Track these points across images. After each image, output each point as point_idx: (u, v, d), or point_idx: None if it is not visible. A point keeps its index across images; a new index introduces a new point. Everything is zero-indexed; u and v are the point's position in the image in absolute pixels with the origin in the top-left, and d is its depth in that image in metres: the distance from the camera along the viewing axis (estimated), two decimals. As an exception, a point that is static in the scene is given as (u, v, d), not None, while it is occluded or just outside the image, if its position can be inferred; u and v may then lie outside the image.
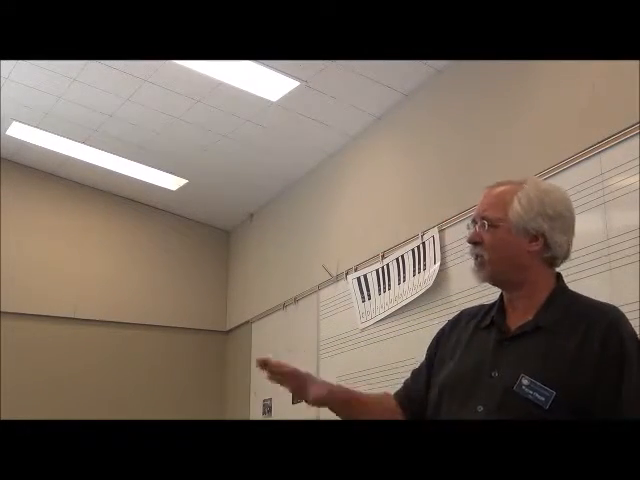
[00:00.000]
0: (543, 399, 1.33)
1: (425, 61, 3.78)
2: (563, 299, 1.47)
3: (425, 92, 4.01)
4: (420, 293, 3.70)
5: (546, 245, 1.47)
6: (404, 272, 3.90)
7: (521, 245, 1.47)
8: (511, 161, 3.31)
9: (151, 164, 5.36)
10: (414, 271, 3.82)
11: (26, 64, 4.16)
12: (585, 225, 2.84)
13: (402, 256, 3.93)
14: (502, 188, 1.52)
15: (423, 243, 3.78)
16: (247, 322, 5.77)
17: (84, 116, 4.74)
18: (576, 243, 2.81)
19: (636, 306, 2.55)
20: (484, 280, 1.54)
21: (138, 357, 5.74)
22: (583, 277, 2.79)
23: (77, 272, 5.63)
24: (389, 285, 4.00)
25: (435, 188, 3.84)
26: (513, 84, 3.38)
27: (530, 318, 1.45)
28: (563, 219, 1.48)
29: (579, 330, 1.38)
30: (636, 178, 2.65)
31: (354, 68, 3.91)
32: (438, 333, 1.65)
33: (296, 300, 5.03)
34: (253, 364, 6.04)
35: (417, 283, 3.75)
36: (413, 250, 3.86)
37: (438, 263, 3.62)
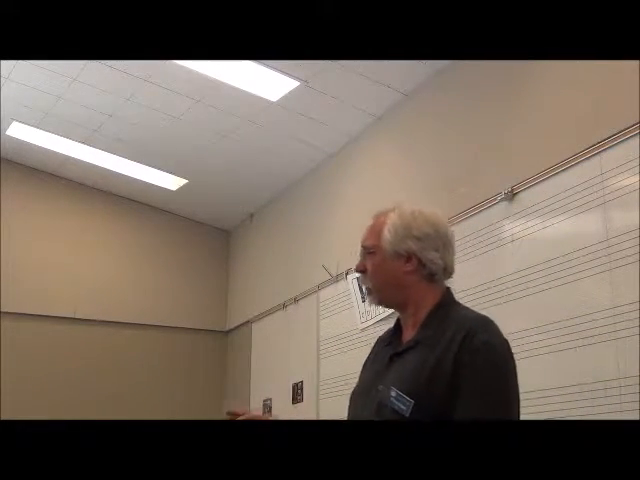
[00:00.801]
0: (405, 408, 1.44)
1: (425, 61, 3.78)
2: (442, 313, 1.58)
3: (425, 92, 4.01)
4: (420, 293, 3.69)
5: (420, 264, 1.60)
6: (404, 272, 3.89)
7: (397, 267, 1.61)
8: (511, 161, 3.31)
9: (151, 164, 5.36)
10: (414, 271, 3.82)
11: (26, 64, 4.16)
12: (585, 225, 2.84)
13: (402, 256, 3.93)
14: (378, 218, 1.70)
15: (423, 243, 3.78)
16: (247, 322, 5.77)
17: (84, 116, 4.74)
18: (576, 243, 2.84)
19: (636, 306, 2.55)
20: (375, 304, 1.70)
21: (138, 357, 5.74)
22: (583, 277, 2.79)
23: (77, 272, 5.63)
24: (389, 285, 4.00)
25: (435, 188, 3.83)
26: (513, 84, 3.38)
27: (414, 334, 1.59)
28: (431, 238, 1.61)
29: (444, 341, 1.49)
30: (636, 178, 2.65)
31: (354, 68, 3.91)
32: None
33: (296, 300, 5.02)
34: (253, 364, 6.01)
35: (417, 283, 3.75)
36: (413, 250, 3.86)
37: (438, 263, 3.61)
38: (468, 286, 3.28)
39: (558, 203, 2.97)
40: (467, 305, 1.65)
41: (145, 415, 5.18)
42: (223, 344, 6.11)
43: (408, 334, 1.62)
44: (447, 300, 1.62)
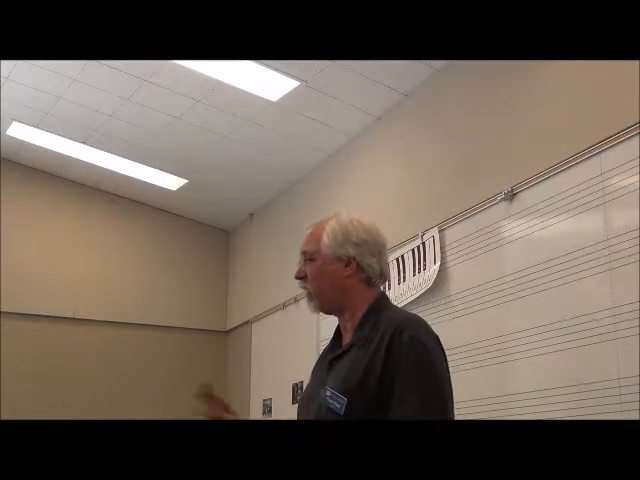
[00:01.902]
0: (339, 406, 1.51)
1: (425, 61, 3.78)
2: (375, 315, 1.64)
3: (425, 92, 4.01)
4: (420, 293, 3.70)
5: (359, 268, 1.67)
6: (404, 272, 3.90)
7: (338, 272, 1.68)
8: (511, 161, 3.31)
9: (151, 164, 5.36)
10: (414, 271, 3.82)
11: (26, 64, 4.16)
12: (585, 225, 2.84)
13: (402, 256, 3.93)
14: (317, 225, 1.75)
15: (423, 243, 3.78)
16: (247, 322, 5.77)
17: (84, 116, 4.74)
18: (576, 243, 2.84)
19: (636, 306, 2.55)
20: (315, 310, 1.78)
21: (138, 357, 5.75)
22: (583, 277, 2.79)
23: (77, 272, 5.63)
24: (389, 285, 4.00)
25: (435, 188, 3.83)
26: (513, 84, 3.38)
27: (350, 338, 1.66)
28: (368, 244, 1.68)
29: (375, 341, 1.56)
30: (636, 178, 2.65)
31: (354, 68, 3.91)
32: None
33: (296, 300, 5.02)
34: (253, 364, 5.99)
35: (417, 283, 3.75)
36: (413, 250, 3.86)
37: (438, 263, 3.62)
38: (468, 286, 3.28)
39: (558, 203, 2.97)
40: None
41: (145, 415, 5.18)
42: (223, 344, 6.12)
43: (347, 337, 1.69)
44: (381, 303, 1.68)
